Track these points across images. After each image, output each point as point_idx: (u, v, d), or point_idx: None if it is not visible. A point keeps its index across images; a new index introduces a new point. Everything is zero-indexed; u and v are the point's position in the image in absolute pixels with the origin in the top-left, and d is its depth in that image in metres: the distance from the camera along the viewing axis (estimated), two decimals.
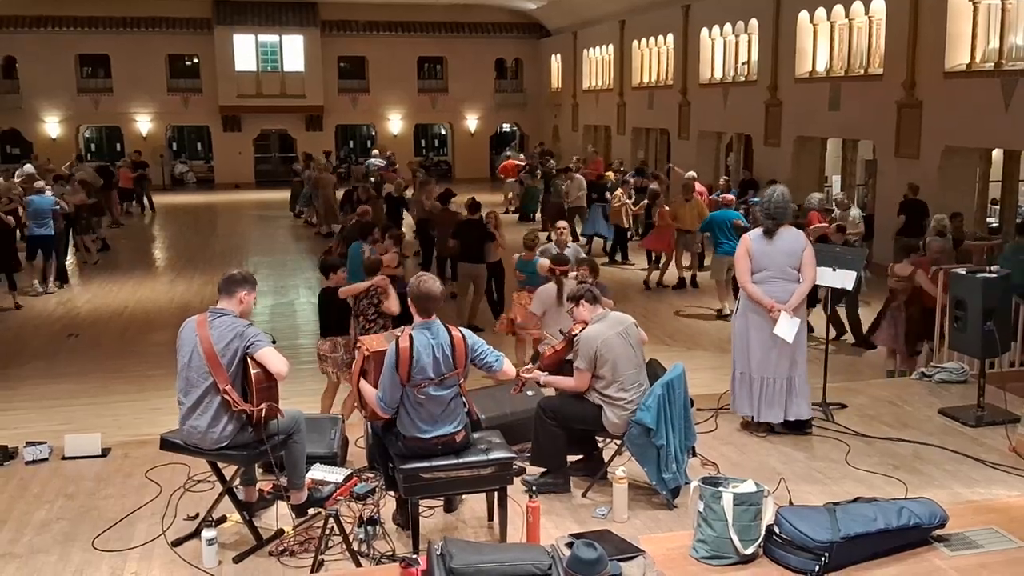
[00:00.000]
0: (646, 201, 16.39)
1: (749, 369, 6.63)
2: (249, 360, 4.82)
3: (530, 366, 6.15)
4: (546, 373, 5.90)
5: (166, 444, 5.09)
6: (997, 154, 15.96)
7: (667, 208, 14.90)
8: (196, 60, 33.06)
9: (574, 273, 8.34)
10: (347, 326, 8.06)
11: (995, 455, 6.31)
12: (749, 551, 4.13)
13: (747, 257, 6.58)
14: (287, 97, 32.76)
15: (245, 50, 32.43)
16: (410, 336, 4.79)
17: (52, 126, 31.62)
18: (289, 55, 32.90)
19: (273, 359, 4.84)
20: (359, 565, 4.65)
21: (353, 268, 8.91)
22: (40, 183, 15.81)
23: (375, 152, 28.71)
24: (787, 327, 6.46)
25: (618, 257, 17.47)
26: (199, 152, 36.36)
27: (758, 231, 6.66)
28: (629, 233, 17.76)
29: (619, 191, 17.27)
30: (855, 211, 13.82)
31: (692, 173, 17.96)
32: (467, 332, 4.95)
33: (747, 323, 6.64)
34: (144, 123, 32.49)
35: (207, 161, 35.15)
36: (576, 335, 5.70)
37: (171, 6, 31.36)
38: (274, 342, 5.05)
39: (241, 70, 32.34)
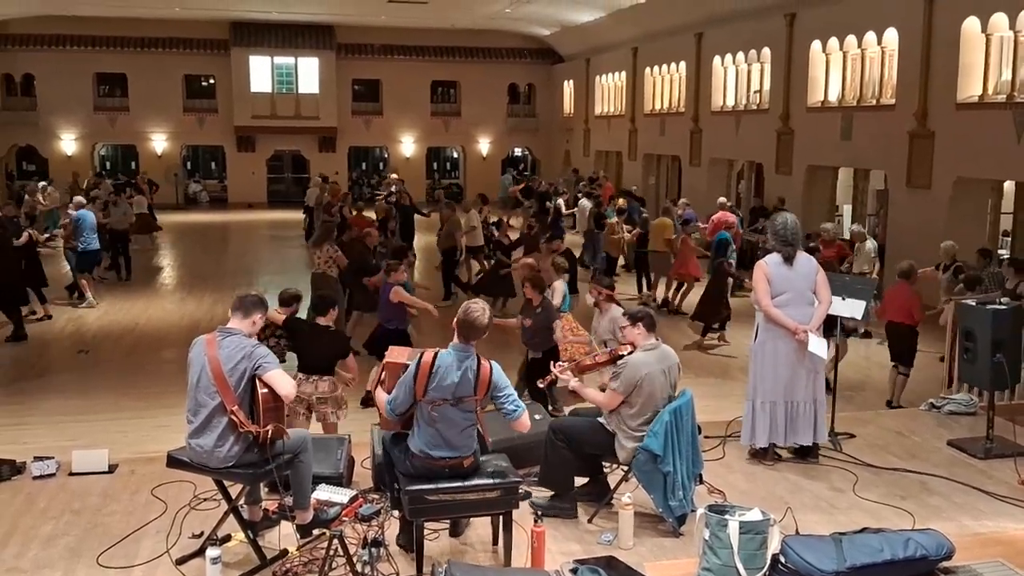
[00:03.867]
0: (638, 229, 16.49)
1: (776, 396, 6.60)
2: (257, 380, 4.84)
3: (564, 365, 6.09)
4: (579, 380, 5.89)
5: (173, 461, 5.10)
6: (1009, 186, 15.95)
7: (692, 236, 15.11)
8: (212, 80, 33.37)
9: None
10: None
11: (1004, 488, 6.27)
12: None
13: (766, 281, 6.62)
14: (301, 118, 33.01)
15: (261, 71, 32.75)
16: (435, 354, 4.81)
17: (68, 143, 31.91)
18: (304, 77, 33.19)
19: (280, 381, 4.86)
20: None
21: None
22: (79, 198, 16.47)
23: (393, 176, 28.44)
24: (819, 345, 6.57)
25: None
26: (213, 171, 36.61)
27: (775, 257, 6.70)
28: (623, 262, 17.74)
29: (615, 220, 17.13)
30: (870, 244, 13.63)
31: (722, 199, 17.98)
32: (497, 368, 4.91)
33: (772, 349, 6.62)
34: (159, 142, 32.76)
35: (221, 180, 35.40)
36: (624, 356, 5.67)
37: (189, 27, 31.69)
38: (283, 361, 5.07)
39: (256, 91, 32.64)
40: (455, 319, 4.90)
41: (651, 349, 5.66)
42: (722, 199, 18.08)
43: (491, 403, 4.98)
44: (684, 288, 15.02)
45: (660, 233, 15.50)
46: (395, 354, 5.09)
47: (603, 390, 5.87)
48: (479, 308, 4.90)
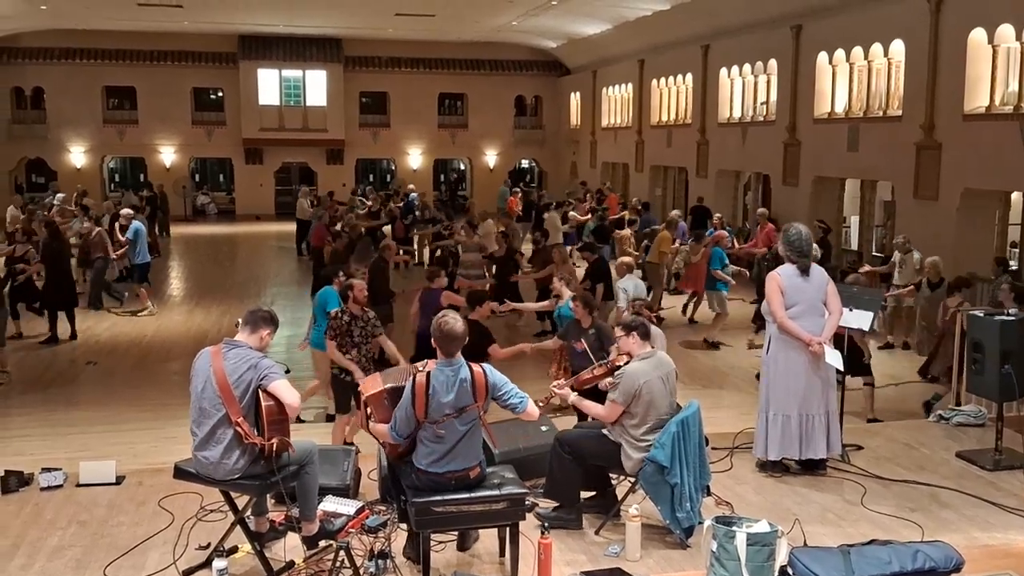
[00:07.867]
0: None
1: (789, 408, 6.58)
2: (261, 393, 4.84)
3: (562, 382, 6.09)
4: (577, 394, 5.88)
5: (180, 473, 5.11)
6: (1016, 197, 15.91)
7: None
8: (220, 93, 33.52)
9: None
10: None
11: (1013, 499, 6.24)
12: None
13: (779, 293, 6.60)
14: (309, 131, 33.13)
15: (269, 84, 32.89)
16: (428, 374, 4.79)
17: (77, 156, 32.07)
18: (312, 89, 33.32)
19: (285, 392, 4.86)
20: None
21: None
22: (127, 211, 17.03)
23: (411, 187, 27.64)
24: (835, 357, 6.59)
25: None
26: (221, 184, 36.73)
27: (788, 268, 6.69)
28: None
29: (627, 232, 17.11)
30: (917, 255, 12.80)
31: (763, 210, 17.93)
32: (489, 369, 4.92)
33: (785, 361, 6.61)
34: (168, 154, 32.90)
35: (228, 193, 35.53)
36: (620, 367, 5.66)
37: (197, 40, 31.84)
38: (287, 371, 5.08)
39: (264, 104, 32.77)
40: (432, 336, 4.88)
41: (647, 357, 5.66)
42: (762, 209, 18.03)
43: (494, 402, 4.96)
44: (697, 300, 15.06)
45: (658, 245, 15.65)
46: (370, 385, 5.08)
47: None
48: (452, 316, 4.93)
